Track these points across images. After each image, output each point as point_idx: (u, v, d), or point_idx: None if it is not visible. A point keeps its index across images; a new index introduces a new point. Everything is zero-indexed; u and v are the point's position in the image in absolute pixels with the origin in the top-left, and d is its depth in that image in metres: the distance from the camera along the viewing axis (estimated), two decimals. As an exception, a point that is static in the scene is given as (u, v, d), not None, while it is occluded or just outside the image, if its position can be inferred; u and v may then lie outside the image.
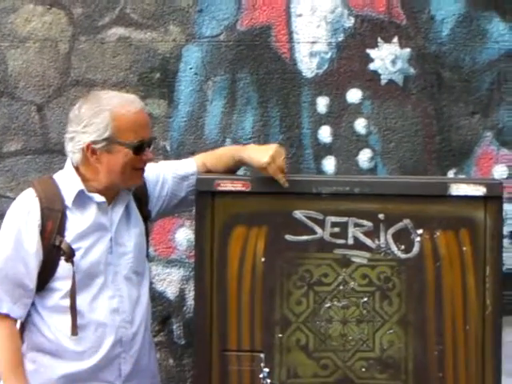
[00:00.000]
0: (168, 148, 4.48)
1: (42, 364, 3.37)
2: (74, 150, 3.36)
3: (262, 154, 3.45)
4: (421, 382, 3.45)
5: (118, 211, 3.44)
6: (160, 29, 4.55)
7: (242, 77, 4.51)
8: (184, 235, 4.45)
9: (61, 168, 3.50)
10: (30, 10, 4.57)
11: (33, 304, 3.36)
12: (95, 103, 3.36)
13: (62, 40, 4.56)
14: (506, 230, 4.19)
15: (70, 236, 3.32)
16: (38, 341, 3.37)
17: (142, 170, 3.41)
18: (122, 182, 3.38)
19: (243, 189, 3.47)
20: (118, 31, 4.56)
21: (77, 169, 3.40)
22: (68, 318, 3.30)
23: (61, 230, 3.32)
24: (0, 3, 4.57)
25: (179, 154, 4.35)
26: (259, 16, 4.52)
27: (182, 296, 4.49)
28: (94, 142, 3.30)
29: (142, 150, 3.34)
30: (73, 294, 3.30)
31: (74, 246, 3.31)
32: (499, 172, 4.46)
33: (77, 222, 3.35)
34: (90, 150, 3.32)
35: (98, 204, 3.39)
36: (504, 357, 3.50)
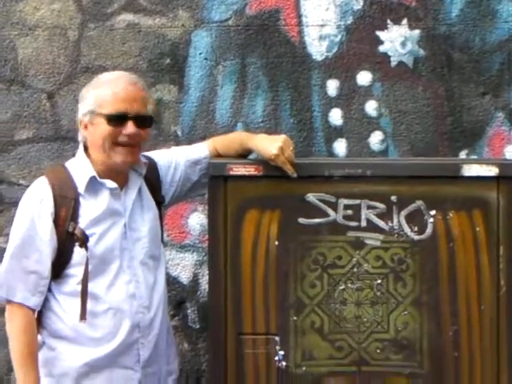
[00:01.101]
0: (179, 133, 4.48)
1: (60, 351, 3.39)
2: (78, 127, 3.49)
3: (270, 146, 3.46)
4: (436, 362, 3.48)
5: (131, 196, 3.47)
6: (169, 14, 4.55)
7: (251, 61, 4.50)
8: (197, 220, 4.46)
9: (73, 155, 3.56)
10: (39, -1, 4.58)
11: (50, 290, 3.38)
12: (92, 81, 3.49)
13: (71, 27, 4.56)
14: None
15: (83, 222, 3.35)
16: (57, 327, 3.39)
17: (128, 145, 3.38)
18: (107, 157, 3.38)
19: (255, 173, 3.49)
20: (127, 18, 4.55)
21: (86, 151, 3.45)
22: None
23: (74, 216, 3.35)
24: (9, -8, 4.58)
25: (191, 138, 4.34)
26: (268, 0, 4.51)
27: (195, 280, 4.50)
28: (84, 115, 3.40)
29: (121, 122, 3.35)
30: (85, 280, 3.33)
31: (87, 232, 3.34)
32: (511, 152, 4.46)
33: (90, 209, 3.38)
34: (83, 125, 3.42)
35: (111, 190, 3.41)
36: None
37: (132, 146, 3.38)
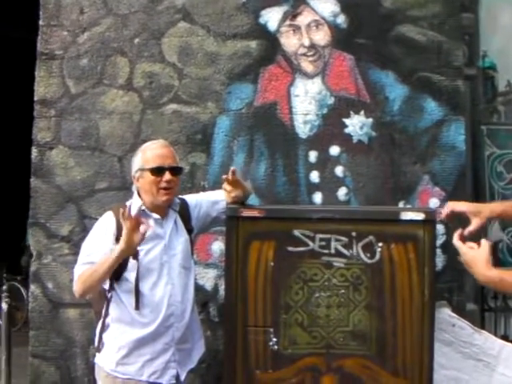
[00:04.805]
0: (206, 186, 4.47)
1: (121, 331, 3.38)
2: (133, 181, 3.50)
3: None
4: (380, 346, 3.45)
5: (169, 225, 3.46)
6: (201, 105, 4.56)
7: (257, 137, 4.51)
8: (218, 246, 4.42)
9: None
10: (114, 93, 4.58)
11: (114, 289, 3.37)
12: (138, 149, 3.52)
13: (135, 113, 4.58)
14: (438, 243, 4.18)
15: (136, 241, 3.36)
16: (119, 314, 3.38)
17: (168, 188, 3.39)
18: (154, 198, 3.40)
19: (259, 215, 3.49)
20: (173, 107, 4.56)
21: (139, 195, 3.46)
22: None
23: None
24: (95, 89, 4.59)
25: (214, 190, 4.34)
26: (269, 96, 4.53)
27: (216, 288, 4.47)
28: (135, 172, 3.43)
29: (161, 172, 3.36)
30: (136, 281, 3.32)
31: (138, 248, 3.31)
32: (433, 203, 4.43)
33: (140, 232, 3.38)
34: (135, 179, 3.45)
35: (155, 220, 3.42)
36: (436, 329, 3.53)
37: (170, 188, 3.39)
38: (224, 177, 3.49)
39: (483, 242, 2.85)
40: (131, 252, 3.22)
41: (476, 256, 2.82)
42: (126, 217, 3.15)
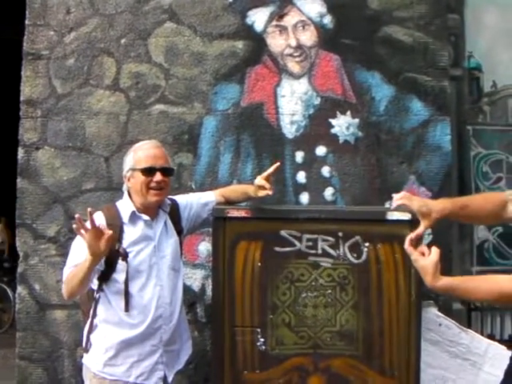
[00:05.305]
0: (193, 187, 4.47)
1: (108, 332, 3.36)
2: (124, 181, 3.48)
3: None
4: (367, 346, 3.46)
5: (159, 226, 3.45)
6: (188, 105, 4.55)
7: (244, 138, 4.51)
8: (205, 247, 4.42)
9: (121, 199, 3.52)
10: (101, 94, 4.56)
11: (102, 290, 3.35)
12: (130, 149, 3.50)
13: (121, 113, 4.56)
14: (424, 243, 4.16)
15: (125, 243, 3.33)
16: (106, 315, 3.37)
17: (158, 189, 3.38)
18: (144, 199, 3.38)
19: (245, 215, 3.49)
20: (160, 107, 4.55)
21: (129, 195, 3.44)
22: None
23: (119, 238, 3.33)
24: (81, 89, 4.57)
25: (201, 191, 4.30)
26: (255, 96, 4.53)
27: (203, 288, 4.46)
28: (127, 172, 3.42)
29: (151, 173, 3.35)
30: (126, 283, 3.30)
31: (127, 250, 3.32)
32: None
33: (130, 233, 3.37)
34: (126, 179, 3.43)
35: (145, 221, 3.40)
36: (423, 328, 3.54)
37: (160, 189, 3.38)
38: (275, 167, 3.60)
39: (433, 249, 2.78)
40: (102, 257, 3.17)
41: (424, 266, 2.75)
42: (86, 229, 3.08)
